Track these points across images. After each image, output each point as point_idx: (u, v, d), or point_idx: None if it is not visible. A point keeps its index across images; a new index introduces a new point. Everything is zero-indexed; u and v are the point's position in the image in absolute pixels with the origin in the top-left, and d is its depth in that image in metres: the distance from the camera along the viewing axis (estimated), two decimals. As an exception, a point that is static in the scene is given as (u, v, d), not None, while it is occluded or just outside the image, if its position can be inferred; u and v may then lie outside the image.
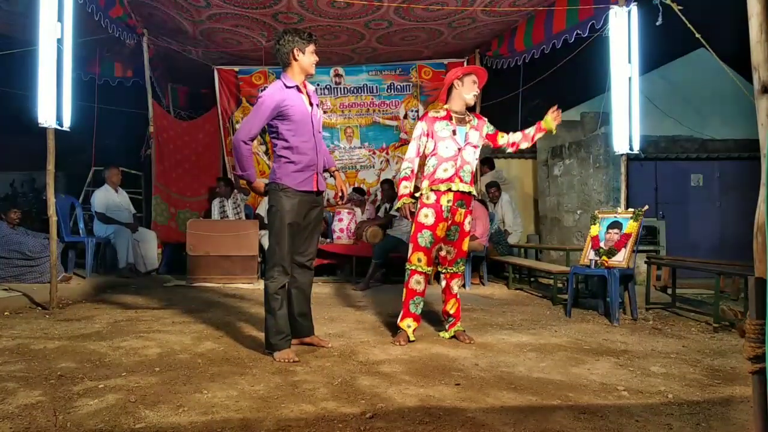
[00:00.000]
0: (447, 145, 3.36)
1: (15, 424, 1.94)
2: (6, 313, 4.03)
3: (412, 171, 3.43)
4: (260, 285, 5.52)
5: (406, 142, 8.01)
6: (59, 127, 4.18)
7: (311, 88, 3.18)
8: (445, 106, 3.47)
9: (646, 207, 4.42)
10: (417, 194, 3.46)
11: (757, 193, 1.25)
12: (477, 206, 6.42)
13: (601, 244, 4.46)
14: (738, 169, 8.24)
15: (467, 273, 6.12)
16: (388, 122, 8.05)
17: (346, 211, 6.79)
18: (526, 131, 3.56)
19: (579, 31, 5.32)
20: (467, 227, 3.48)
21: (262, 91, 7.68)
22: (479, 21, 6.30)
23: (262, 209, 6.79)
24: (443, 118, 3.40)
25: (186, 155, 7.61)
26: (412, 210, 3.40)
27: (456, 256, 3.50)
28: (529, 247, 7.53)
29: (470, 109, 3.51)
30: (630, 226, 4.32)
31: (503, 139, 3.56)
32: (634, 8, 4.58)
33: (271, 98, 2.91)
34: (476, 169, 3.54)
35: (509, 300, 5.45)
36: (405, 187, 3.42)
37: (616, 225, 4.44)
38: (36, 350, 2.98)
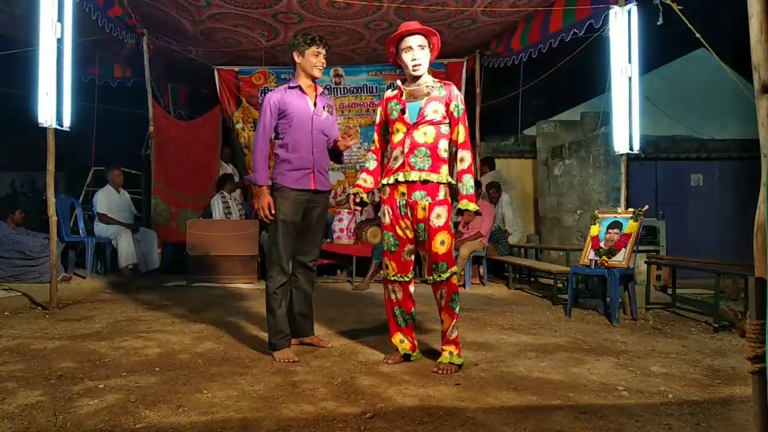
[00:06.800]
0: (398, 127, 2.84)
1: (15, 424, 1.94)
2: (6, 313, 4.03)
3: (376, 160, 3.01)
4: (260, 285, 5.53)
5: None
6: (59, 127, 4.19)
7: (321, 90, 3.19)
8: (398, 83, 2.94)
9: (646, 207, 4.41)
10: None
11: (757, 193, 1.25)
12: (483, 203, 6.40)
13: (601, 244, 4.46)
14: (738, 169, 8.23)
15: (467, 273, 6.11)
16: (387, 122, 8.03)
17: (346, 211, 6.79)
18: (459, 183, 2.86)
19: (576, 30, 5.32)
20: (436, 223, 2.74)
21: (261, 91, 7.76)
22: (479, 22, 6.29)
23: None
24: (394, 98, 2.90)
25: (186, 155, 7.60)
26: (356, 201, 2.92)
27: (430, 261, 2.79)
28: (529, 247, 7.53)
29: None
30: (630, 226, 4.33)
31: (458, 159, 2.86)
32: (634, 8, 4.59)
33: (269, 98, 3.04)
34: (450, 149, 2.88)
35: (509, 300, 5.45)
36: (363, 180, 3.00)
37: (616, 225, 4.44)
38: (36, 350, 2.98)
